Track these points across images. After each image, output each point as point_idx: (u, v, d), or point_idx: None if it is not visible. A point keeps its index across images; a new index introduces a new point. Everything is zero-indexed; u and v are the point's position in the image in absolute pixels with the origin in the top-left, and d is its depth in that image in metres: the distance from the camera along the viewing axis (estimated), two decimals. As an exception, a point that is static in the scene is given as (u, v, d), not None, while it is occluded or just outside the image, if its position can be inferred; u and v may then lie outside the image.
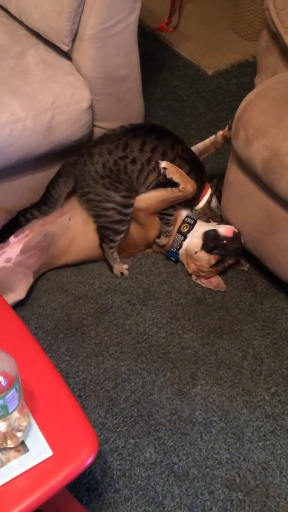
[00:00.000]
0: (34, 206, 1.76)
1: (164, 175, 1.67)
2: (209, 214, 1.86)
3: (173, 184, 1.70)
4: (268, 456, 1.48)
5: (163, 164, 1.66)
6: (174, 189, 1.71)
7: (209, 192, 1.84)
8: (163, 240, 1.85)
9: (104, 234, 1.76)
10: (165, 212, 1.78)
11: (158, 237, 1.85)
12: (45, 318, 1.75)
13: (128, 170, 1.66)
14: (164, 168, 1.66)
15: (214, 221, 1.87)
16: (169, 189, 1.71)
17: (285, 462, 1.47)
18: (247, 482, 1.43)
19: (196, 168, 1.77)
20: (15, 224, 1.75)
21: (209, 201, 1.84)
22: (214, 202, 1.86)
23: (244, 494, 1.41)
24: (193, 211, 1.87)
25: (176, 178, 1.68)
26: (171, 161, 1.69)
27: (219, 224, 1.83)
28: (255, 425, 1.53)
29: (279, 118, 1.47)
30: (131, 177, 1.68)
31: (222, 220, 1.86)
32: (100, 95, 1.77)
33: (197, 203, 1.84)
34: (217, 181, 1.88)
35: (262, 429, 1.53)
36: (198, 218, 1.86)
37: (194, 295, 1.83)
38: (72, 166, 1.71)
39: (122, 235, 1.77)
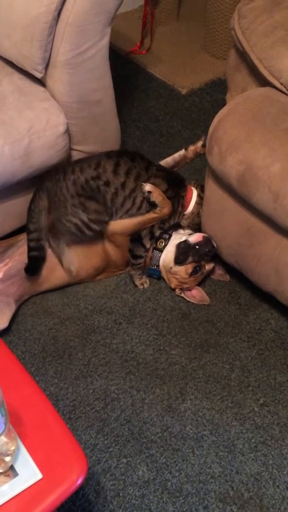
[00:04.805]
0: (27, 231, 1.74)
1: (148, 198, 1.70)
2: (196, 221, 1.87)
3: (152, 205, 1.73)
4: (260, 467, 1.48)
5: (147, 187, 1.68)
6: (150, 212, 1.74)
7: (194, 194, 1.84)
8: (137, 281, 1.89)
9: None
10: (135, 254, 1.81)
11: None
12: (32, 342, 1.75)
13: (101, 190, 1.67)
14: (149, 192, 1.69)
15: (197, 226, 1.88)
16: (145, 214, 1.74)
17: (277, 472, 1.47)
18: (241, 494, 1.43)
19: (172, 184, 1.78)
20: (38, 259, 1.74)
21: (198, 203, 1.83)
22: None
23: (238, 507, 1.41)
24: (182, 219, 1.87)
25: (158, 202, 1.70)
26: (146, 181, 1.70)
27: (189, 235, 1.84)
28: (245, 436, 1.54)
29: (250, 133, 1.50)
30: (105, 198, 1.69)
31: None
32: (75, 119, 1.80)
33: (185, 209, 1.84)
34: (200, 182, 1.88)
35: (253, 440, 1.53)
36: (174, 231, 1.87)
37: (179, 310, 1.84)
38: (47, 180, 1.72)
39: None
